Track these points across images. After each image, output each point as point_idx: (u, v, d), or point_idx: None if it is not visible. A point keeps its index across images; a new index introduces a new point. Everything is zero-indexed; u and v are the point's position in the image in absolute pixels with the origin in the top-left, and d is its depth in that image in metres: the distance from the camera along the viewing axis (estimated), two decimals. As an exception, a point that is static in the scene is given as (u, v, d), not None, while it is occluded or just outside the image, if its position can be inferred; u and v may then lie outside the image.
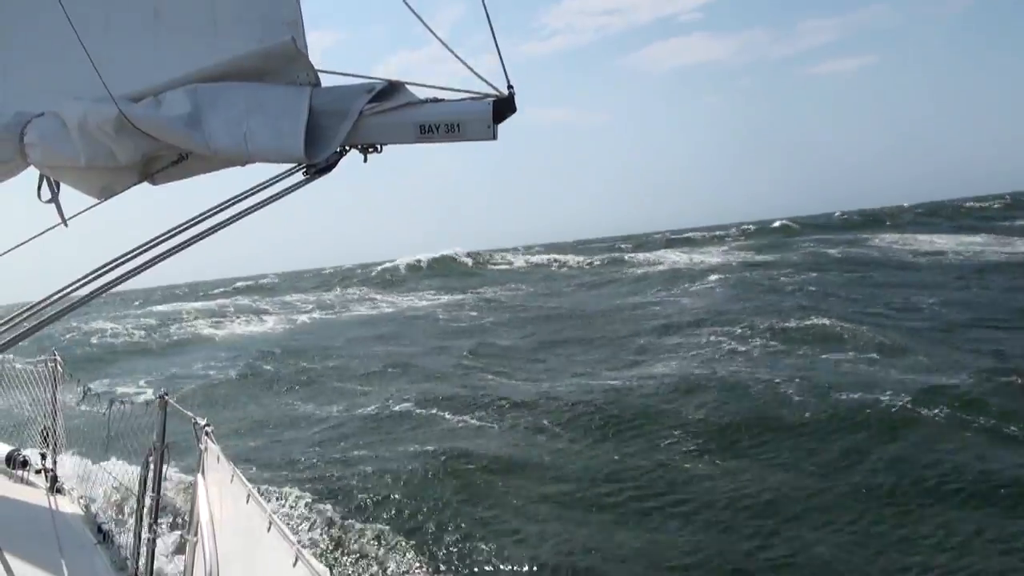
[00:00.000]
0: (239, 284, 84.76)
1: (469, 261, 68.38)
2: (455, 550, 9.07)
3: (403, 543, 9.18)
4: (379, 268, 68.26)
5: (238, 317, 43.97)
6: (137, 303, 63.80)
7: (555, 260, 65.29)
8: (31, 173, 4.03)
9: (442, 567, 8.71)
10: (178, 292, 76.79)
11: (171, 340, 36.05)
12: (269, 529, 3.09)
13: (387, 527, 9.62)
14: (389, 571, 8.62)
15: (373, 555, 8.97)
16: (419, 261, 67.11)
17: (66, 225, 4.17)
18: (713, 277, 35.09)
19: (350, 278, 68.30)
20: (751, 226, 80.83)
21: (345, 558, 9.17)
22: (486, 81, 3.10)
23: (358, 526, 9.66)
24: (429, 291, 49.30)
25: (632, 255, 61.17)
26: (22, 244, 4.78)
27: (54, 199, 4.07)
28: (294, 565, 2.73)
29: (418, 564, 8.71)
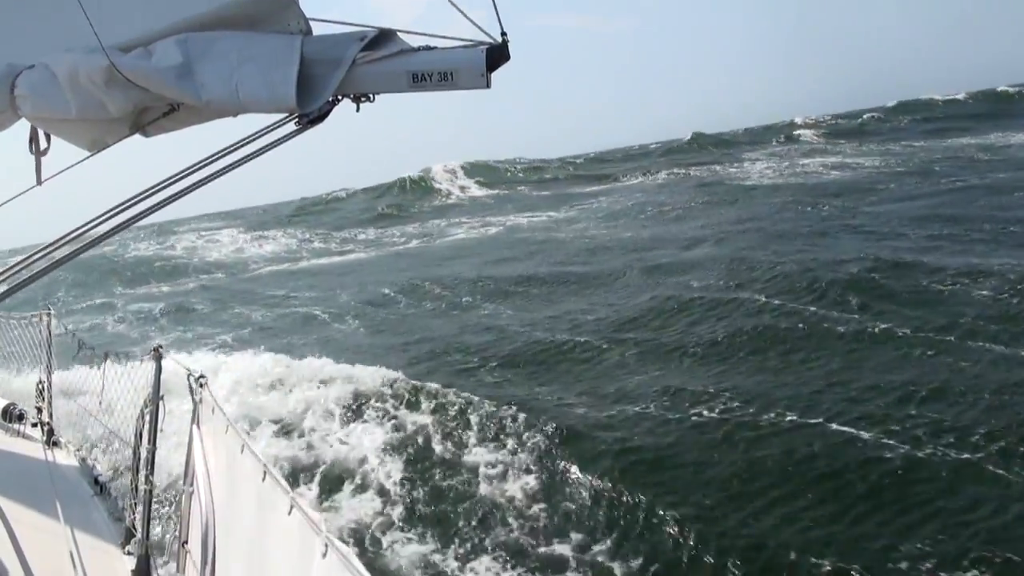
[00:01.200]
0: (265, 210, 76.76)
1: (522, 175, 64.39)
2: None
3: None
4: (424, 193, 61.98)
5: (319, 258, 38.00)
6: (175, 241, 55.11)
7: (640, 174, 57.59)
8: (23, 126, 4.02)
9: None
10: (216, 226, 65.68)
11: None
12: (264, 479, 3.12)
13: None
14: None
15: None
16: (460, 181, 63.31)
17: (40, 184, 4.16)
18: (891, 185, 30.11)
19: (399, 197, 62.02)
20: (814, 126, 71.82)
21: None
22: (480, 28, 3.07)
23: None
24: (525, 210, 44.66)
25: (720, 167, 52.56)
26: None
27: (38, 153, 4.06)
28: (289, 513, 2.76)
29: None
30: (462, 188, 62.75)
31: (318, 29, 3.21)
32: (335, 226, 53.25)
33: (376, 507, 9.68)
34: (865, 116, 75.93)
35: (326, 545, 2.35)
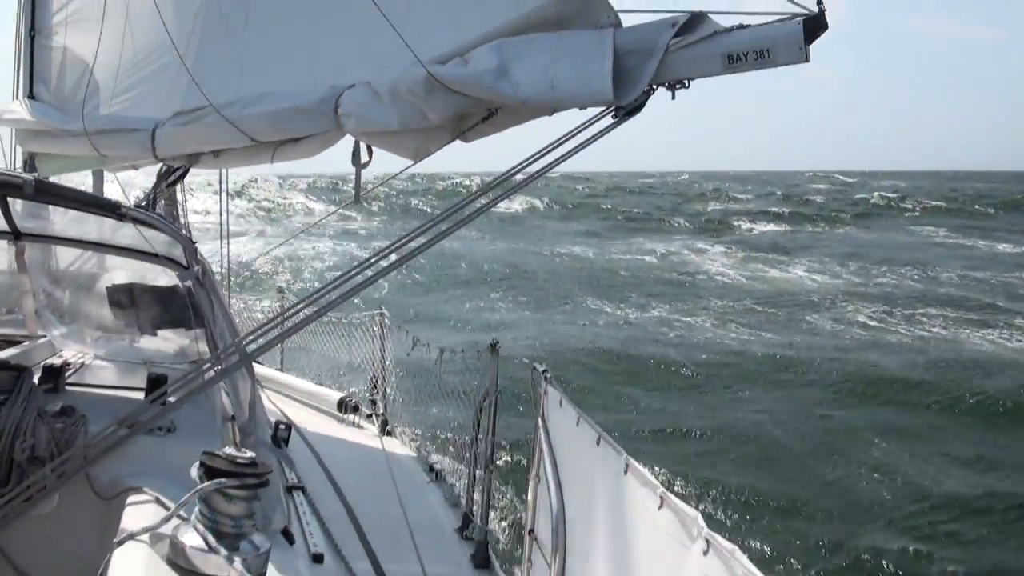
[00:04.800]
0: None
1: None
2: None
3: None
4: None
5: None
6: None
7: None
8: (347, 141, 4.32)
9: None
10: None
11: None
12: (625, 472, 3.08)
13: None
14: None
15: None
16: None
17: (358, 201, 4.45)
18: None
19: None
20: None
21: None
22: (793, 1, 2.95)
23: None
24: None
25: None
26: (323, 219, 5.17)
27: (360, 167, 4.35)
28: (659, 508, 2.69)
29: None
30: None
31: (627, 20, 3.21)
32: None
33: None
34: None
35: (707, 542, 2.25)
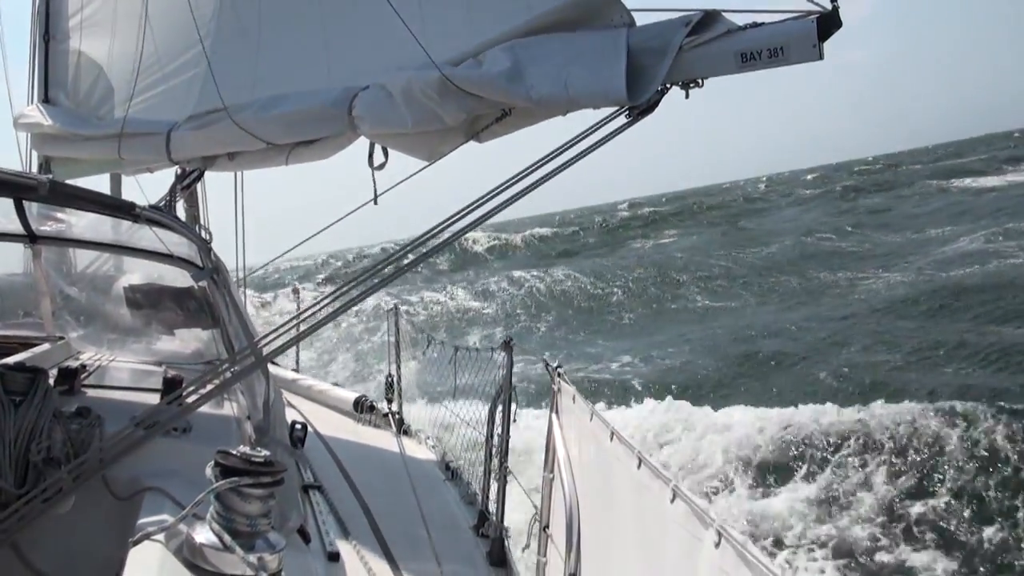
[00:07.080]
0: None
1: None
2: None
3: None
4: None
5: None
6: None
7: None
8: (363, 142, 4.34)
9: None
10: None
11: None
12: (639, 467, 3.10)
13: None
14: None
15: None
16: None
17: (376, 203, 4.48)
18: None
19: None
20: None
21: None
22: (807, -2, 2.95)
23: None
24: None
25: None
26: (339, 220, 5.21)
27: (376, 168, 4.37)
28: (672, 501, 2.71)
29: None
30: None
31: (640, 18, 3.21)
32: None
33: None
34: None
35: (719, 534, 2.27)
